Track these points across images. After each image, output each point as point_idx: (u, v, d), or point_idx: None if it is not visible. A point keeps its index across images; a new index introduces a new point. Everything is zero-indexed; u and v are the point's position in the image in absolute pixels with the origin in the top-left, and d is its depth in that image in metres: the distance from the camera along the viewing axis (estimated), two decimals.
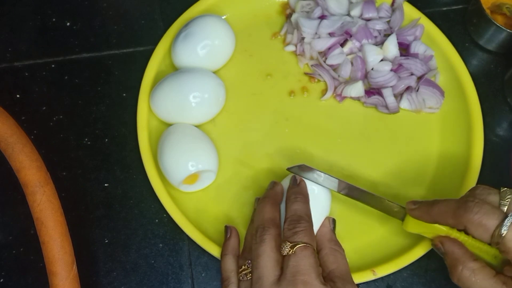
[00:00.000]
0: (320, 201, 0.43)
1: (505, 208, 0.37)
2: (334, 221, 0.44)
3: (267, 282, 0.36)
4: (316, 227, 0.43)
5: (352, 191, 0.44)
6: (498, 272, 0.37)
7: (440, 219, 0.40)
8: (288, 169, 0.44)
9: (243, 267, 0.40)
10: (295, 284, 0.35)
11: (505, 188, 0.38)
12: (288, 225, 0.39)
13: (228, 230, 0.44)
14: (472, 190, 0.40)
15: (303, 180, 0.43)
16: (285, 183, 0.44)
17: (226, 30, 0.53)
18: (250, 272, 0.39)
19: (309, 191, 0.43)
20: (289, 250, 0.37)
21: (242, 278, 0.39)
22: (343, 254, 0.41)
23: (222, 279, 0.41)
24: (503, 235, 0.35)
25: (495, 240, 0.36)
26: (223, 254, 0.43)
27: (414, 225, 0.42)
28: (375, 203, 0.44)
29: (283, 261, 0.38)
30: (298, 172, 0.43)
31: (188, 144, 0.48)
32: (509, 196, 0.38)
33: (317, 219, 0.43)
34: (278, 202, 0.43)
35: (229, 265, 0.41)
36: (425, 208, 0.41)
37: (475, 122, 0.52)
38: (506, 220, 0.35)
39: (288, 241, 0.38)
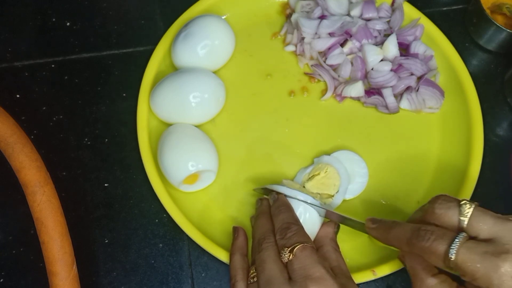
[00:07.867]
0: (311, 217, 0.44)
1: (465, 223, 0.34)
2: (338, 226, 0.45)
3: (278, 282, 0.36)
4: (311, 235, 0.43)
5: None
6: (460, 286, 0.35)
7: (396, 245, 0.39)
8: (255, 189, 0.48)
9: (251, 271, 0.40)
10: (307, 285, 0.35)
11: (465, 201, 0.35)
12: (280, 234, 0.40)
13: (235, 230, 0.45)
14: (433, 200, 0.37)
15: (281, 194, 0.44)
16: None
17: (226, 30, 0.53)
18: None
19: (300, 207, 0.43)
20: (289, 255, 0.37)
21: (249, 282, 0.39)
22: (342, 255, 0.42)
23: (230, 277, 0.41)
24: (452, 259, 0.33)
25: (448, 265, 0.34)
26: (231, 254, 0.43)
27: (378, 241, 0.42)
28: (342, 221, 0.45)
29: (287, 268, 0.37)
30: (264, 193, 0.46)
31: (188, 144, 0.48)
32: (468, 210, 0.35)
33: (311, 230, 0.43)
34: (270, 215, 0.43)
35: (237, 263, 0.42)
36: (382, 231, 0.40)
37: (475, 122, 0.52)
38: (453, 243, 0.33)
39: (286, 247, 0.38)
